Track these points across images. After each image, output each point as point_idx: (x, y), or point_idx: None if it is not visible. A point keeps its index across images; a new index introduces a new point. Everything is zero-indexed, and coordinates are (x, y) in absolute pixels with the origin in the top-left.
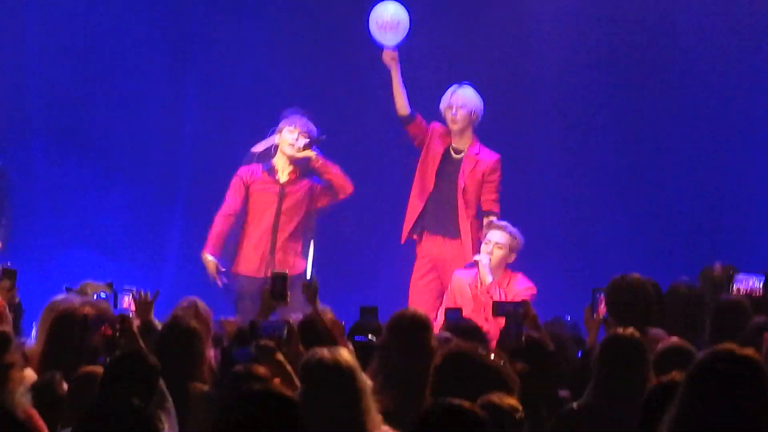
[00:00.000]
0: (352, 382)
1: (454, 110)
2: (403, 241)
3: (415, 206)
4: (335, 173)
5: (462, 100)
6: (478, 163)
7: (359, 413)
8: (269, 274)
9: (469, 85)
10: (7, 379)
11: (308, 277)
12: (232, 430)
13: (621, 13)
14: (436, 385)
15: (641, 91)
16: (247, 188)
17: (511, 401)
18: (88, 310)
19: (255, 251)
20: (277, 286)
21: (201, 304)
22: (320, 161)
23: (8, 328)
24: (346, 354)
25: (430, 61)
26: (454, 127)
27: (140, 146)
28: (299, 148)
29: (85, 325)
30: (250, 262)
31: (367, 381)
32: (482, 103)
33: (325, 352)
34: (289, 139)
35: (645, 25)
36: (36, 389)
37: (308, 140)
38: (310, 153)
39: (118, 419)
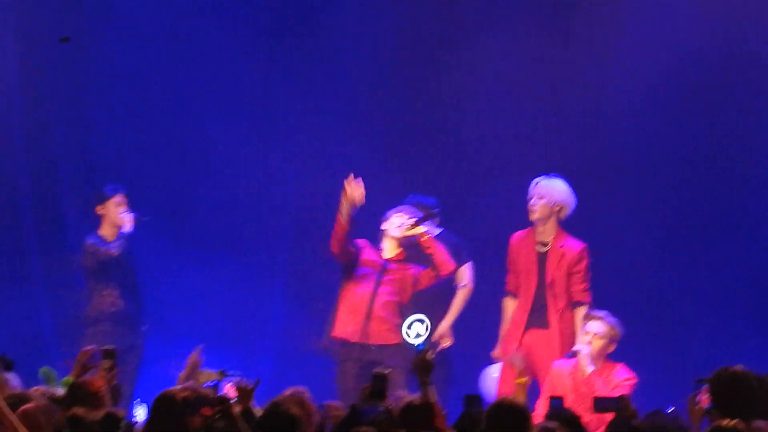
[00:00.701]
0: None
1: (533, 201)
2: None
3: (517, 319)
4: (439, 250)
5: (543, 190)
6: (564, 255)
7: None
8: (364, 341)
9: (559, 177)
10: None
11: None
12: None
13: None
14: None
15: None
16: (356, 255)
17: None
18: (187, 393)
19: (350, 316)
20: (377, 386)
21: (306, 392)
22: (426, 237)
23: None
24: None
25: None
26: (532, 217)
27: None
28: (408, 226)
29: (184, 408)
30: (346, 326)
31: None
32: (571, 196)
33: None
34: (396, 223)
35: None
36: None
37: (417, 218)
38: (419, 229)
39: None
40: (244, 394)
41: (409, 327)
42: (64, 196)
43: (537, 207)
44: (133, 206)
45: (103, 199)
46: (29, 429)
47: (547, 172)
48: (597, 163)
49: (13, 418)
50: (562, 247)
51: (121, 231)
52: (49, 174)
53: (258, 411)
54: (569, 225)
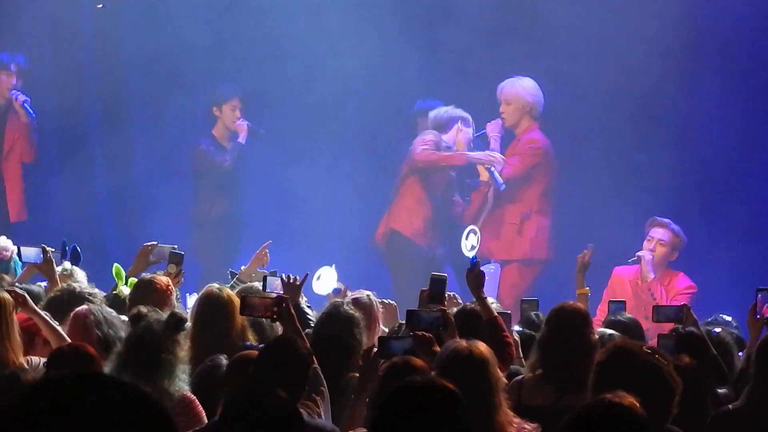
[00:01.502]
0: (484, 375)
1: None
2: None
3: None
4: None
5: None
6: None
7: (491, 406)
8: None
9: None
10: (169, 363)
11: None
12: (393, 422)
13: None
14: (599, 380)
15: None
16: None
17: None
18: (233, 294)
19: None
20: (436, 289)
21: (371, 295)
22: None
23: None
24: (482, 347)
25: None
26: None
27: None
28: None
29: (237, 308)
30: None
31: (500, 376)
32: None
33: (462, 343)
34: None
35: None
36: (198, 374)
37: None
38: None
39: (264, 410)
40: (292, 289)
41: (466, 238)
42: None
43: (506, 114)
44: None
45: (219, 101)
46: (77, 329)
47: None
48: None
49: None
50: None
51: (237, 139)
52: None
53: (309, 311)
54: None
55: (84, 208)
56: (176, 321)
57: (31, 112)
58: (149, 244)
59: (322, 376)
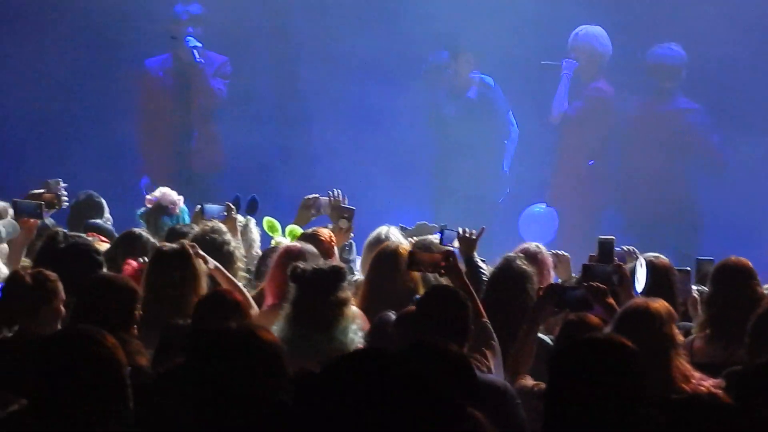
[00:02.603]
0: (662, 331)
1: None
2: None
3: None
4: None
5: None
6: None
7: (668, 361)
8: None
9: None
10: (340, 315)
11: None
12: (573, 376)
13: None
14: (758, 336)
15: None
16: None
17: None
18: (405, 249)
19: None
20: (605, 250)
21: (541, 248)
22: None
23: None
24: (660, 304)
25: None
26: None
27: None
28: None
29: (404, 264)
30: None
31: (677, 333)
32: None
33: (639, 300)
34: None
35: None
36: (370, 329)
37: None
38: None
39: (435, 359)
40: (467, 243)
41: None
42: None
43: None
44: None
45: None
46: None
47: None
48: None
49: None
50: None
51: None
52: None
53: (484, 265)
54: None
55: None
56: (337, 274)
57: (198, 57)
58: (310, 196)
59: (491, 330)
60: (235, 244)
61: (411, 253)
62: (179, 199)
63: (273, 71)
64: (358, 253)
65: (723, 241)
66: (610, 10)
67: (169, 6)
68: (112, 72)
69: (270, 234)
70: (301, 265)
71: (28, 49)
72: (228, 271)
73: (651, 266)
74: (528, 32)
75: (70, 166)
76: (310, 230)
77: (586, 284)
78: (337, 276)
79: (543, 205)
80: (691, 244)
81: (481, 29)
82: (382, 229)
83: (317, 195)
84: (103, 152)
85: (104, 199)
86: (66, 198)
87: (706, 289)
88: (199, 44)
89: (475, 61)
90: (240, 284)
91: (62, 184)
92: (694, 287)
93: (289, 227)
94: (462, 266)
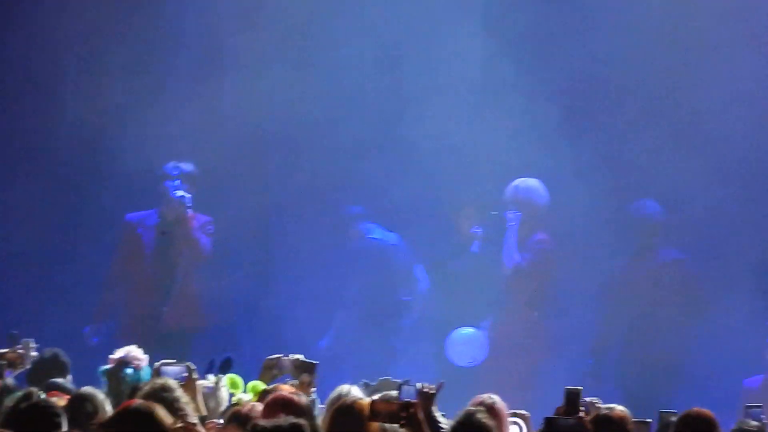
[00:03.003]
0: None
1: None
2: None
3: None
4: None
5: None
6: None
7: None
8: None
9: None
10: None
11: None
12: None
13: None
14: None
15: None
16: None
17: None
18: (365, 403)
19: None
20: (571, 402)
21: (498, 400)
22: None
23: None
24: None
25: None
26: None
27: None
28: None
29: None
30: None
31: None
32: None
33: None
34: None
35: None
36: None
37: None
38: None
39: None
40: (425, 398)
41: None
42: None
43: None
44: None
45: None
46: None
47: None
48: None
49: None
50: None
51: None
52: None
53: (441, 419)
54: None
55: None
56: (297, 428)
57: (188, 204)
58: (272, 357)
59: None
60: (186, 401)
61: (372, 403)
62: (144, 358)
63: (246, 230)
64: None
65: (702, 395)
66: (595, 169)
67: (146, 163)
68: (86, 222)
69: (232, 391)
70: (260, 422)
71: None
72: None
73: (604, 418)
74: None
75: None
76: (271, 386)
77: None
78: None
79: (471, 329)
80: (671, 396)
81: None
82: (343, 388)
83: (280, 355)
84: (70, 302)
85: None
86: (34, 356)
87: None
88: (188, 195)
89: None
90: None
91: (33, 345)
92: None
93: (251, 383)
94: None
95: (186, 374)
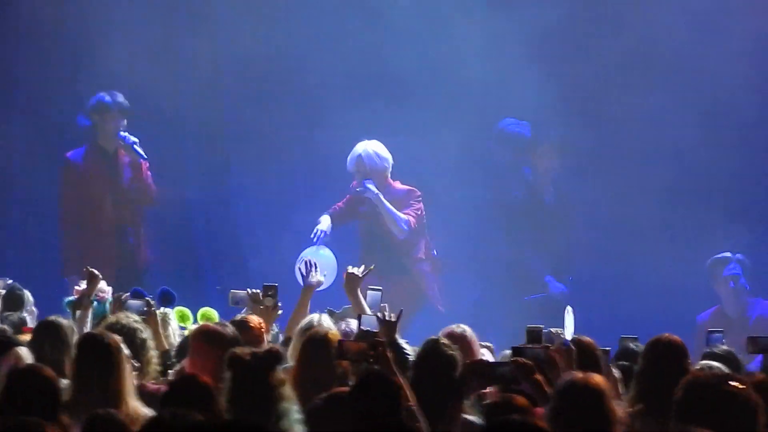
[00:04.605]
0: (601, 406)
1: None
2: None
3: None
4: None
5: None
6: None
7: None
8: None
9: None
10: (278, 397)
11: None
12: None
13: None
14: (680, 417)
15: None
16: None
17: None
18: (336, 335)
19: None
20: (533, 339)
21: (467, 329)
22: None
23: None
24: (598, 378)
25: None
26: None
27: None
28: None
29: (334, 350)
30: None
31: (615, 408)
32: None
33: (578, 375)
34: None
35: None
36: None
37: None
38: None
39: None
40: (388, 326)
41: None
42: None
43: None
44: None
45: None
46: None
47: None
48: None
49: None
50: None
51: None
52: None
53: (406, 346)
54: None
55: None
56: (273, 358)
57: (141, 153)
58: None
59: (417, 415)
60: (147, 335)
61: (340, 342)
62: (108, 290)
63: (201, 170)
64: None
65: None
66: None
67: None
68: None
69: (182, 324)
70: (237, 350)
71: None
72: (141, 360)
73: (577, 345)
74: None
75: None
76: (238, 317)
77: (513, 360)
78: (274, 359)
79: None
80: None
81: None
82: (314, 317)
83: (229, 289)
84: (27, 241)
85: (28, 289)
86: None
87: (627, 365)
88: (137, 139)
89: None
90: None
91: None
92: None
93: (201, 310)
94: None
95: (146, 308)
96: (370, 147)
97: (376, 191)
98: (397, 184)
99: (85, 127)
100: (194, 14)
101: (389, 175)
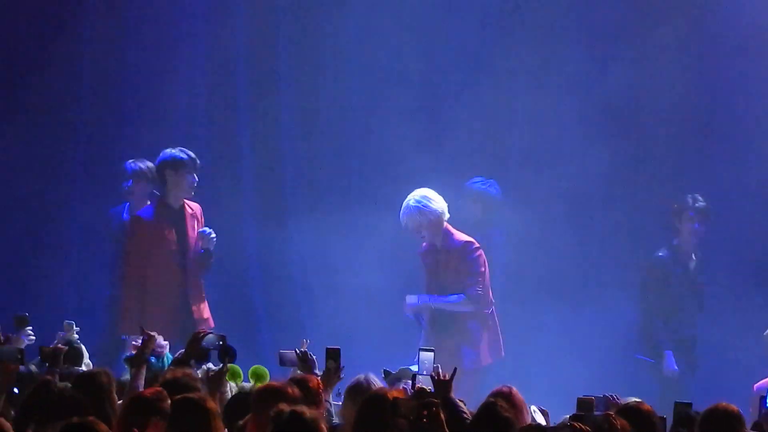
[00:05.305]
0: None
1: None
2: None
3: None
4: None
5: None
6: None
7: None
8: None
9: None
10: None
11: None
12: None
13: None
14: None
15: None
16: None
17: None
18: (397, 393)
19: None
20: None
21: (514, 389)
22: None
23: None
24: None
25: None
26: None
27: None
28: None
29: (393, 409)
30: None
31: None
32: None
33: None
34: None
35: None
36: None
37: None
38: None
39: None
40: (441, 385)
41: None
42: None
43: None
44: None
45: None
46: None
47: None
48: None
49: None
50: None
51: None
52: None
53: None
54: None
55: None
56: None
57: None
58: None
59: None
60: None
61: (394, 399)
62: (165, 345)
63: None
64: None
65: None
66: None
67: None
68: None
69: (231, 382)
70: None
71: None
72: None
73: (635, 411)
74: None
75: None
76: (298, 375)
77: (570, 424)
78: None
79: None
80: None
81: None
82: (360, 377)
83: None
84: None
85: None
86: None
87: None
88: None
89: None
90: None
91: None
92: None
93: (253, 368)
94: None
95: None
96: (419, 195)
97: (417, 301)
98: (457, 235)
99: (134, 172)
100: (254, 67)
101: (445, 222)
